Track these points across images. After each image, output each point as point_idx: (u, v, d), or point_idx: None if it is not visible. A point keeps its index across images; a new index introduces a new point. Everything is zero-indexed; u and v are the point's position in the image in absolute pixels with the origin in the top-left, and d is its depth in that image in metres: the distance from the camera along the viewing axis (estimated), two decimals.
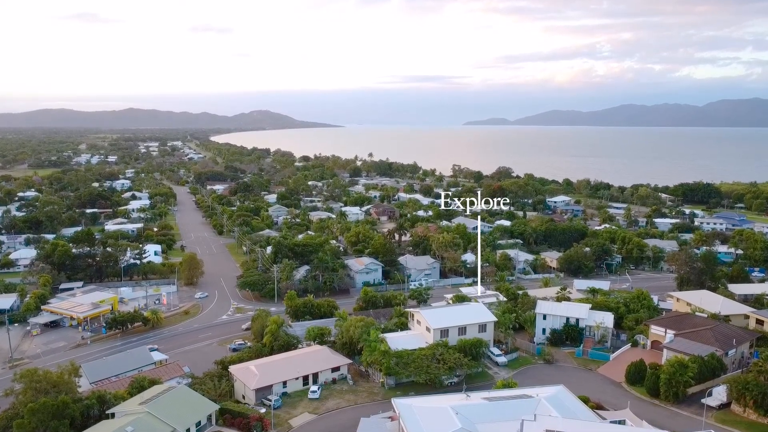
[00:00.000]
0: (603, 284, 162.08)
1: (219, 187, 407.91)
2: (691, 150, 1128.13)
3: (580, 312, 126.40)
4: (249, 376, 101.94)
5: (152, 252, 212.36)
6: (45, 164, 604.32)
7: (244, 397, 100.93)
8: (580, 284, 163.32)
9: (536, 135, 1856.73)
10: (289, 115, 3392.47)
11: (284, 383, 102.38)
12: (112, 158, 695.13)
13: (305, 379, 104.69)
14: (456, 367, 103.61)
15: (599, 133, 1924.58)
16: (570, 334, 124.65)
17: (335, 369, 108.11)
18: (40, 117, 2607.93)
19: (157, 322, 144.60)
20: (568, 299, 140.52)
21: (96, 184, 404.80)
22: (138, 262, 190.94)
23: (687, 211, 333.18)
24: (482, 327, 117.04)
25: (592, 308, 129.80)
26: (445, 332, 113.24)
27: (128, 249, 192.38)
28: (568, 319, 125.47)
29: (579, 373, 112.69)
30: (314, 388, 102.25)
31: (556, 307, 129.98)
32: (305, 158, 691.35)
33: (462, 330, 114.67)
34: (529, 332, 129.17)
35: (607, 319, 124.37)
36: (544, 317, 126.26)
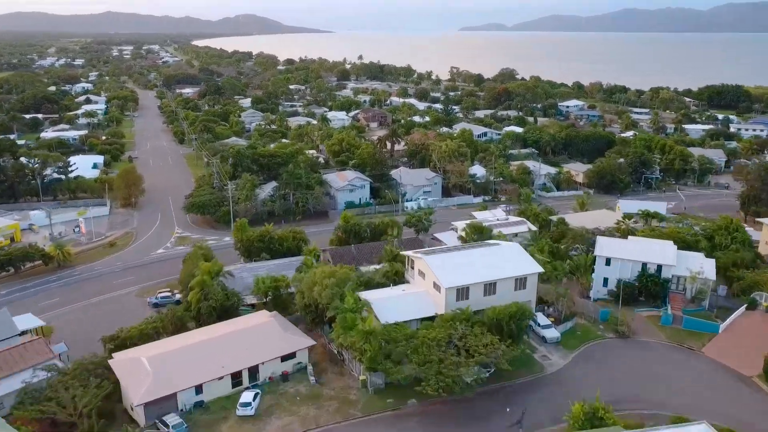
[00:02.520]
0: (658, 206, 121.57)
1: (189, 91, 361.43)
2: (700, 56, 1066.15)
3: (663, 254, 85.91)
4: (137, 376, 62.29)
5: (91, 165, 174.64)
6: (4, 67, 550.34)
7: (132, 408, 62.31)
8: (627, 206, 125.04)
9: (536, 41, 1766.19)
10: (277, 20, 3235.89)
11: (198, 387, 63.83)
12: (79, 61, 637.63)
13: (235, 376, 66.13)
14: (488, 361, 64.21)
15: (602, 39, 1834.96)
16: (649, 288, 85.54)
17: (287, 357, 69.41)
18: (13, 20, 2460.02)
19: (64, 260, 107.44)
20: (631, 233, 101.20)
21: (53, 88, 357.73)
22: (62, 177, 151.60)
23: (720, 116, 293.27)
24: (521, 282, 75.18)
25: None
26: (463, 292, 72.08)
27: (48, 160, 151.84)
28: (644, 265, 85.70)
29: (675, 354, 73.86)
30: (247, 396, 63.46)
31: (625, 247, 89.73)
32: (290, 61, 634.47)
33: (490, 288, 73.43)
34: (581, 283, 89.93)
35: (707, 265, 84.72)
36: (608, 262, 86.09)
